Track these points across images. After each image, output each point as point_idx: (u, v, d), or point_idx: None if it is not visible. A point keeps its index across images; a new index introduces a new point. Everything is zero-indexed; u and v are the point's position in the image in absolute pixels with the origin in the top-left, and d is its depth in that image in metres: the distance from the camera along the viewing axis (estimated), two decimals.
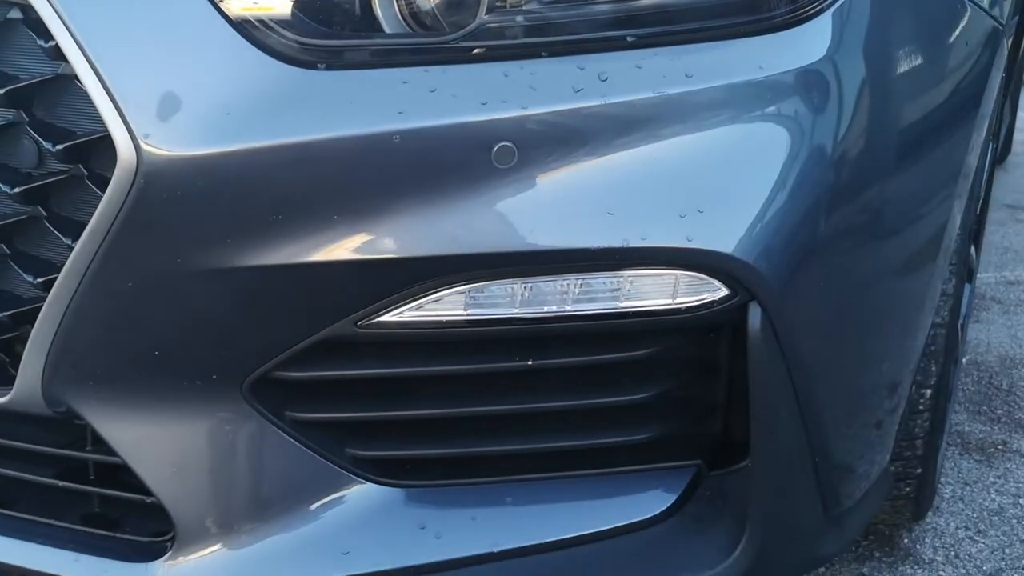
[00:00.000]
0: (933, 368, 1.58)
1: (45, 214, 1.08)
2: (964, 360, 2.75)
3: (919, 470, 1.66)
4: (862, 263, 1.25)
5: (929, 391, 1.59)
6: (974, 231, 2.39)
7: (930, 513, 1.96)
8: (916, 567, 1.82)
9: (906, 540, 1.89)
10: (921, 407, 1.59)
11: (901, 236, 1.32)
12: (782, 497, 1.22)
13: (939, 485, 2.05)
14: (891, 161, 1.26)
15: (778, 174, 1.13)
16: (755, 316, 1.13)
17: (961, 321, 2.31)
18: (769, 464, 1.19)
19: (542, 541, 1.22)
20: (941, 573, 1.80)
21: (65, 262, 1.05)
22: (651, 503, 1.25)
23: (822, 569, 1.79)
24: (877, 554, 1.84)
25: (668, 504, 1.25)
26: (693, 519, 1.25)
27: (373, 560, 1.19)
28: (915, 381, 1.54)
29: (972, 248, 2.41)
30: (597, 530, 1.23)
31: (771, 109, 1.13)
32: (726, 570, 1.20)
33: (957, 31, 1.44)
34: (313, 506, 1.20)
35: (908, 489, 1.69)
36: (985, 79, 1.55)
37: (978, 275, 3.50)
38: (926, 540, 1.89)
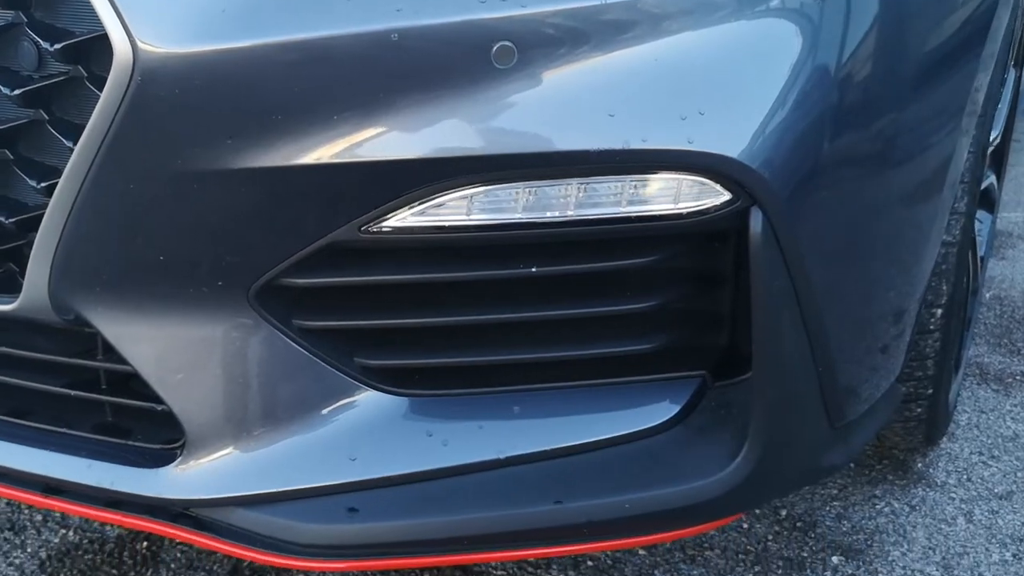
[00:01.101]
0: (944, 287, 1.57)
1: (47, 117, 1.09)
2: (988, 295, 2.74)
3: (930, 391, 1.65)
4: (865, 187, 1.24)
5: (940, 310, 1.58)
6: (996, 161, 2.37)
7: (945, 439, 1.97)
8: (928, 489, 1.82)
9: (920, 464, 1.89)
10: (932, 327, 1.58)
11: (906, 167, 1.31)
12: (784, 406, 1.22)
13: (956, 413, 2.05)
14: (896, 87, 1.25)
15: (783, 82, 1.13)
16: (756, 220, 1.12)
17: (982, 253, 2.29)
18: (770, 371, 1.19)
19: (548, 448, 1.22)
20: (953, 495, 1.81)
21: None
22: (655, 413, 1.26)
23: (835, 491, 1.80)
24: (890, 477, 1.85)
25: (672, 414, 1.25)
26: (697, 429, 1.26)
27: (381, 466, 1.21)
28: (925, 301, 1.54)
29: (994, 178, 2.39)
30: (602, 438, 1.24)
31: (775, 11, 1.12)
32: (727, 477, 1.21)
33: None
34: (321, 414, 1.21)
35: (920, 410, 1.69)
36: (991, 16, 1.52)
37: (1006, 215, 3.47)
38: (939, 464, 1.89)
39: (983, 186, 2.21)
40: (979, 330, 2.47)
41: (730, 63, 1.09)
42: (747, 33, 1.09)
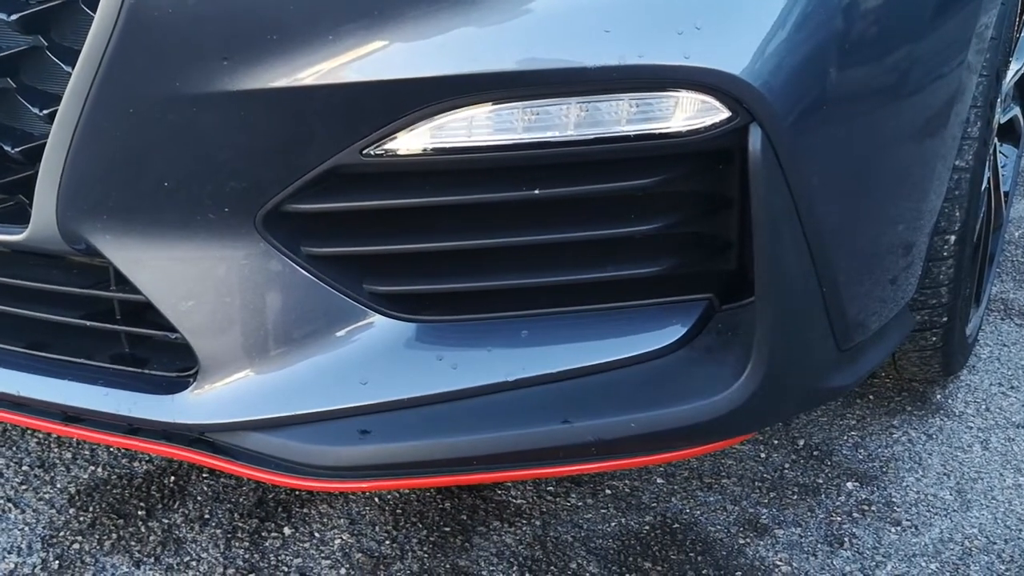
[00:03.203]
0: (957, 214, 1.56)
1: (46, 44, 1.11)
2: (1016, 233, 2.72)
3: (945, 319, 1.65)
4: (871, 118, 1.25)
5: (953, 237, 1.57)
6: (1022, 94, 2.33)
7: (965, 372, 1.96)
8: (946, 419, 1.82)
9: (938, 396, 1.89)
10: (945, 254, 1.58)
11: (913, 99, 1.32)
12: (787, 325, 1.23)
13: (978, 347, 2.04)
14: (901, 17, 1.25)
15: (783, 2, 1.13)
16: (755, 138, 1.13)
17: (1006, 188, 2.27)
18: (772, 289, 1.19)
19: (556, 371, 1.24)
20: (970, 424, 1.81)
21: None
22: (663, 335, 1.27)
23: (853, 422, 1.80)
24: (908, 408, 1.85)
25: (679, 336, 1.26)
26: (704, 350, 1.27)
27: (391, 389, 1.23)
28: (938, 228, 1.53)
29: (1019, 110, 2.36)
30: (610, 360, 1.25)
31: None
32: (731, 395, 1.22)
33: None
34: (332, 340, 1.23)
35: (935, 339, 1.69)
36: None
37: None
38: (959, 395, 1.89)
39: (1007, 118, 2.19)
40: (1006, 268, 2.45)
41: None
42: None
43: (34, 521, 1.55)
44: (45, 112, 1.12)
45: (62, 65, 1.09)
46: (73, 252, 1.20)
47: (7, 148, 1.16)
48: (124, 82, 1.05)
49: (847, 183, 1.27)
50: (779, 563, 1.50)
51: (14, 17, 1.09)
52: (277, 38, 1.03)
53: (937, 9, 1.33)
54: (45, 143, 1.12)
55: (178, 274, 1.19)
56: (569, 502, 1.60)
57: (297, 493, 1.60)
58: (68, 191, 1.13)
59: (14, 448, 1.70)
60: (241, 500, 1.59)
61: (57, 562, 1.47)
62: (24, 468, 1.66)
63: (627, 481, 1.64)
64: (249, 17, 1.02)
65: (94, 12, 1.05)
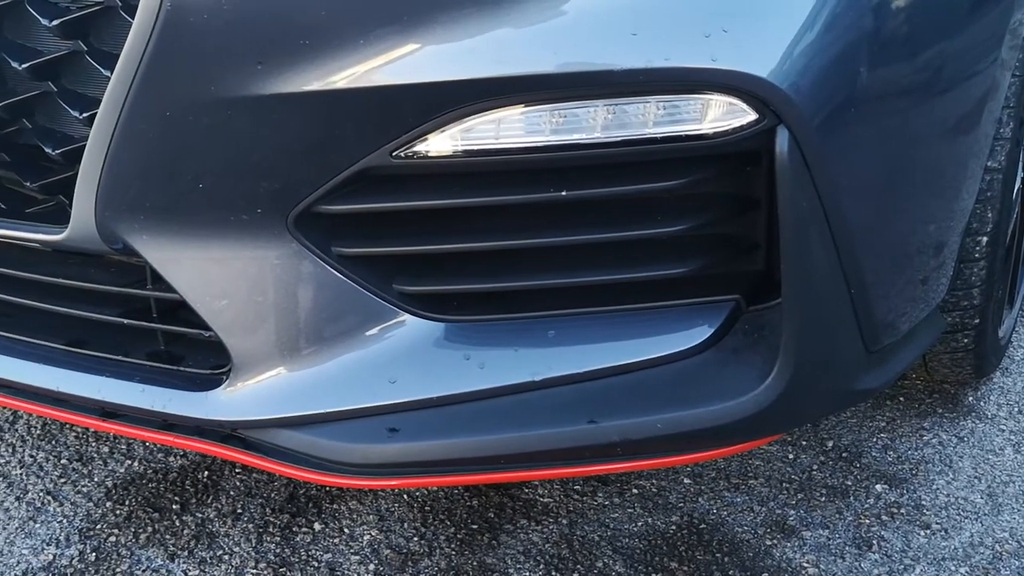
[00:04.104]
0: (989, 215, 1.55)
1: (85, 48, 1.13)
2: None
3: (977, 320, 1.64)
4: (902, 119, 1.25)
5: (985, 239, 1.57)
6: None
7: (998, 374, 1.95)
8: (977, 421, 1.82)
9: (970, 398, 1.88)
10: (977, 255, 1.57)
11: (945, 99, 1.32)
12: (815, 326, 1.23)
13: (1011, 349, 2.03)
14: (931, 18, 1.25)
15: (811, 3, 1.13)
16: (783, 140, 1.13)
17: None
18: (799, 290, 1.20)
19: (582, 371, 1.25)
20: (1002, 427, 1.80)
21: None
22: (690, 336, 1.27)
23: (883, 423, 1.80)
24: (940, 410, 1.85)
25: (706, 337, 1.27)
26: (731, 351, 1.27)
27: (419, 388, 1.24)
28: (969, 229, 1.53)
29: None
30: (636, 360, 1.26)
31: None
32: (758, 396, 1.22)
33: None
34: (362, 339, 1.25)
35: (966, 341, 1.68)
36: None
37: None
38: (991, 398, 1.88)
39: None
40: None
41: None
42: None
43: (72, 514, 1.58)
44: (84, 115, 1.15)
45: (101, 69, 1.12)
46: (111, 251, 1.22)
47: (48, 150, 1.18)
48: (161, 86, 1.08)
49: (877, 183, 1.27)
50: (806, 565, 1.50)
51: (55, 23, 1.12)
52: (310, 43, 1.05)
53: (970, 5, 1.33)
54: (84, 145, 1.14)
55: (212, 273, 1.21)
56: (596, 501, 1.61)
57: (327, 489, 1.62)
58: (106, 192, 1.16)
59: (53, 442, 1.73)
60: (273, 496, 1.62)
61: (94, 554, 1.50)
62: (63, 462, 1.69)
63: (654, 481, 1.65)
64: (282, 23, 1.04)
65: (132, 18, 1.07)
